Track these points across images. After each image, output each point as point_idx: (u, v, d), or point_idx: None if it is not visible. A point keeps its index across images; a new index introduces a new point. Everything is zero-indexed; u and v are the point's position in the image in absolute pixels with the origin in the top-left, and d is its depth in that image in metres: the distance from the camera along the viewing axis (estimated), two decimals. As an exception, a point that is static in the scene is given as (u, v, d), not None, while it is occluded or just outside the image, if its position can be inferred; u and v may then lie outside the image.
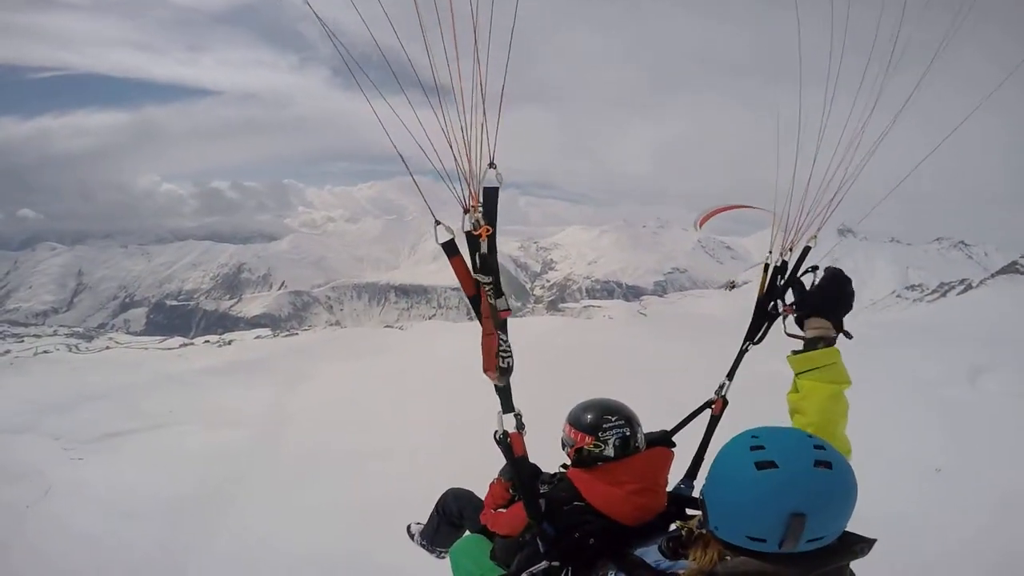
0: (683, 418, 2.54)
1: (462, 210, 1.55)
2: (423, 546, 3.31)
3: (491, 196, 1.55)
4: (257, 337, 38.21)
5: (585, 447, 2.21)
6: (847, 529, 1.45)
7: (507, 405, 1.89)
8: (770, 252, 2.33)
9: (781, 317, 2.29)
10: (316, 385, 12.60)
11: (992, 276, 17.84)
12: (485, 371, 1.73)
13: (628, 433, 2.21)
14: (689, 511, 2.21)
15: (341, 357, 17.01)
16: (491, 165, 1.51)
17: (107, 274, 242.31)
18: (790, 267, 2.32)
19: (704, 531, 1.64)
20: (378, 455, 7.49)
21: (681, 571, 1.60)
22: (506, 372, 1.70)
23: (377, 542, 5.18)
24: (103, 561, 5.68)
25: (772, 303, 2.31)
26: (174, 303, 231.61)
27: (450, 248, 1.54)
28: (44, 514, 6.57)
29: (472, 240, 1.55)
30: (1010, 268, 17.10)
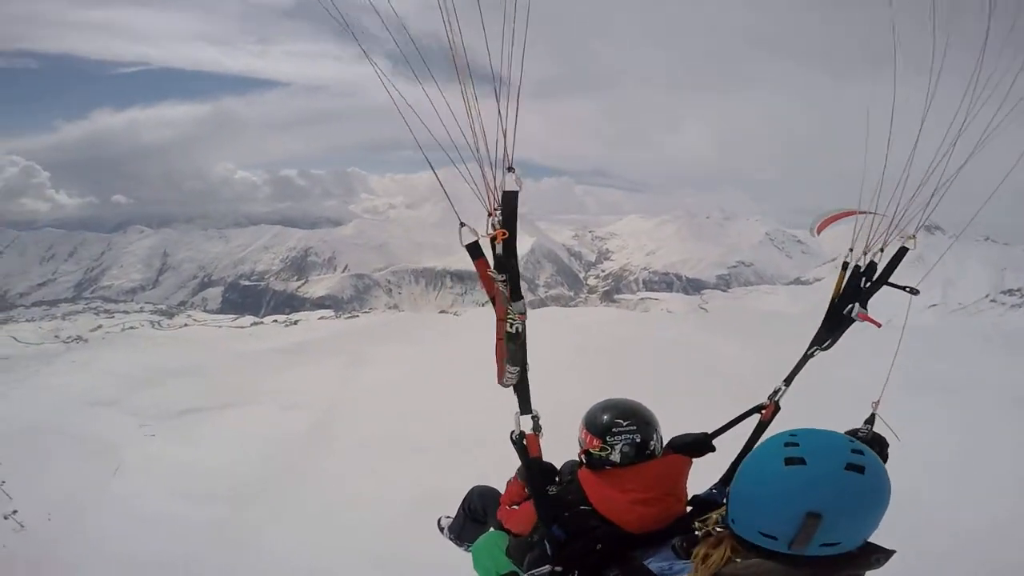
0: (728, 421, 2.38)
1: (487, 213, 1.59)
2: (451, 539, 3.41)
3: (509, 200, 1.55)
4: (321, 318, 40.22)
5: (592, 450, 2.15)
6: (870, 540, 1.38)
7: (525, 406, 1.87)
8: (851, 250, 2.17)
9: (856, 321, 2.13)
10: (375, 369, 12.92)
11: None
12: (498, 381, 1.74)
13: (639, 440, 2.11)
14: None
15: (399, 341, 17.40)
16: (509, 169, 1.51)
17: (188, 255, 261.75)
18: (879, 268, 2.15)
19: (721, 528, 1.60)
20: (426, 447, 7.55)
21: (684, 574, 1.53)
22: (514, 337, 1.67)
23: (420, 538, 5.22)
24: (161, 543, 5.95)
25: (850, 307, 2.13)
26: (247, 283, 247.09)
27: (474, 250, 1.57)
28: (112, 494, 7.00)
29: (492, 243, 1.60)
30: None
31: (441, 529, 3.56)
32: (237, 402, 10.28)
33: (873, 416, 2.07)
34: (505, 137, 1.50)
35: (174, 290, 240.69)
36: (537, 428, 1.98)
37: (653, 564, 1.82)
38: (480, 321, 24.57)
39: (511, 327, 1.67)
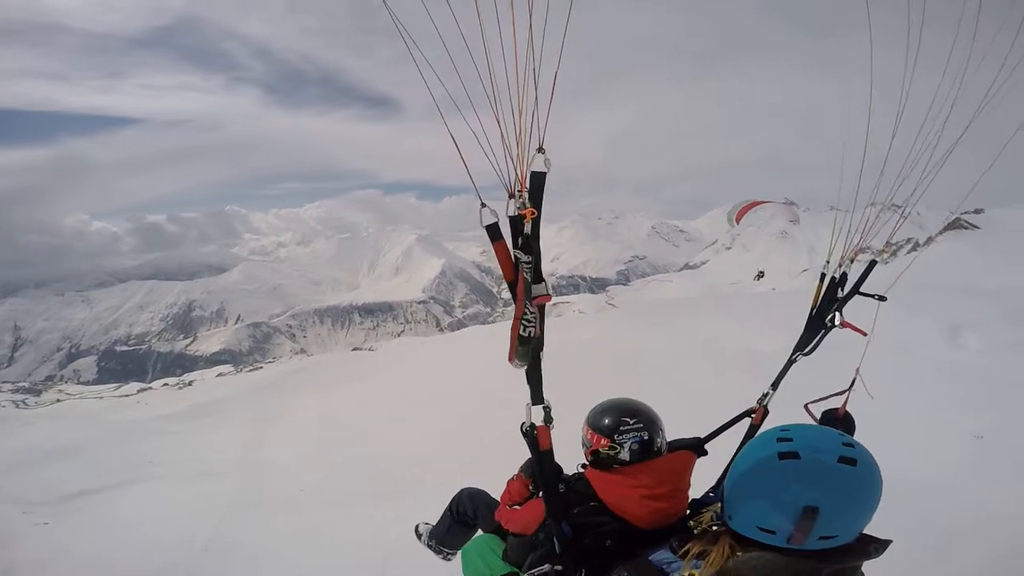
0: (719, 426, 2.48)
1: (507, 195, 1.54)
2: (430, 546, 3.29)
3: (538, 180, 1.53)
4: (219, 375, 36.38)
5: (601, 449, 2.17)
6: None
7: (536, 396, 1.81)
8: (827, 262, 2.33)
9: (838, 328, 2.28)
10: (292, 421, 11.86)
11: (941, 233, 18.83)
12: (509, 359, 1.69)
13: (646, 437, 2.14)
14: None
15: (313, 387, 16.20)
16: (540, 150, 1.49)
17: (47, 325, 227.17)
18: (851, 279, 2.34)
19: (717, 525, 1.64)
20: (370, 494, 6.98)
21: (690, 571, 1.55)
22: (526, 341, 1.63)
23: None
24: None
25: (831, 315, 2.29)
26: (124, 348, 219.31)
27: (494, 232, 1.55)
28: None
29: (516, 223, 1.56)
30: (955, 224, 18.05)
31: (419, 536, 3.44)
32: (137, 478, 8.81)
33: (853, 381, 2.27)
34: (536, 117, 1.46)
35: (35, 366, 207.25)
36: (548, 419, 1.90)
37: (657, 559, 1.80)
38: (400, 353, 23.74)
39: (524, 330, 1.62)
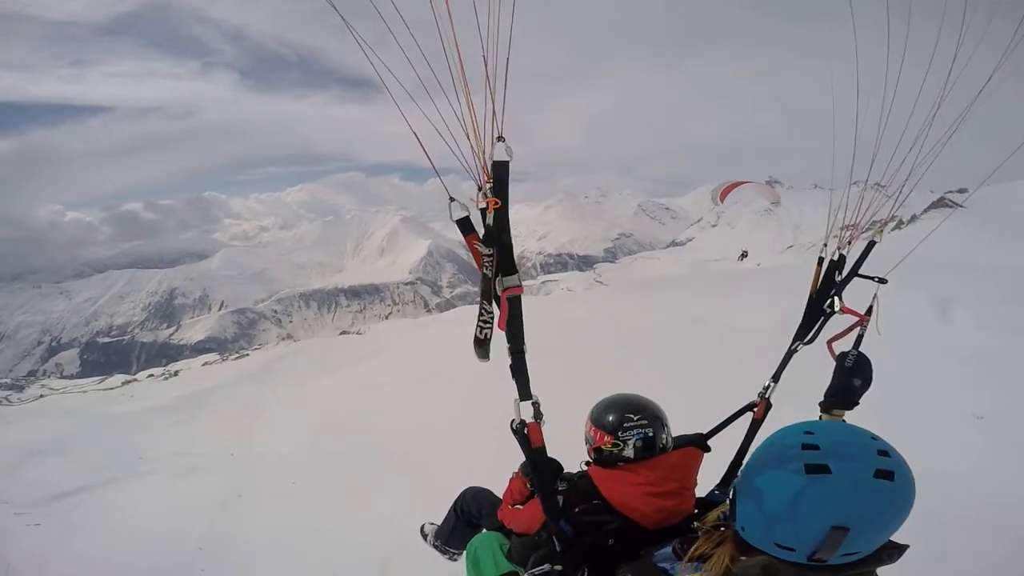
0: (721, 421, 2.40)
1: (477, 188, 1.51)
2: (436, 547, 3.28)
3: (500, 170, 1.49)
4: (205, 364, 35.83)
5: (604, 447, 2.13)
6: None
7: (524, 392, 1.76)
8: (825, 245, 2.26)
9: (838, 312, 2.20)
10: (281, 410, 11.71)
11: (925, 211, 19.07)
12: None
13: (651, 434, 2.10)
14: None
15: (300, 374, 16.04)
16: (499, 139, 1.46)
17: (24, 319, 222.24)
18: (849, 260, 2.25)
19: (724, 528, 1.55)
20: (367, 484, 6.88)
21: (691, 574, 1.48)
22: (482, 343, 1.56)
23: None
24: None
25: (829, 300, 2.21)
26: (107, 340, 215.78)
27: (465, 225, 1.52)
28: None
29: (483, 214, 1.53)
30: (939, 203, 18.25)
31: (424, 536, 3.42)
32: (125, 475, 8.63)
33: (861, 337, 2.23)
34: (495, 107, 1.43)
35: (16, 361, 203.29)
36: (538, 415, 1.84)
37: (660, 562, 1.74)
38: (388, 335, 23.52)
39: (480, 332, 1.55)
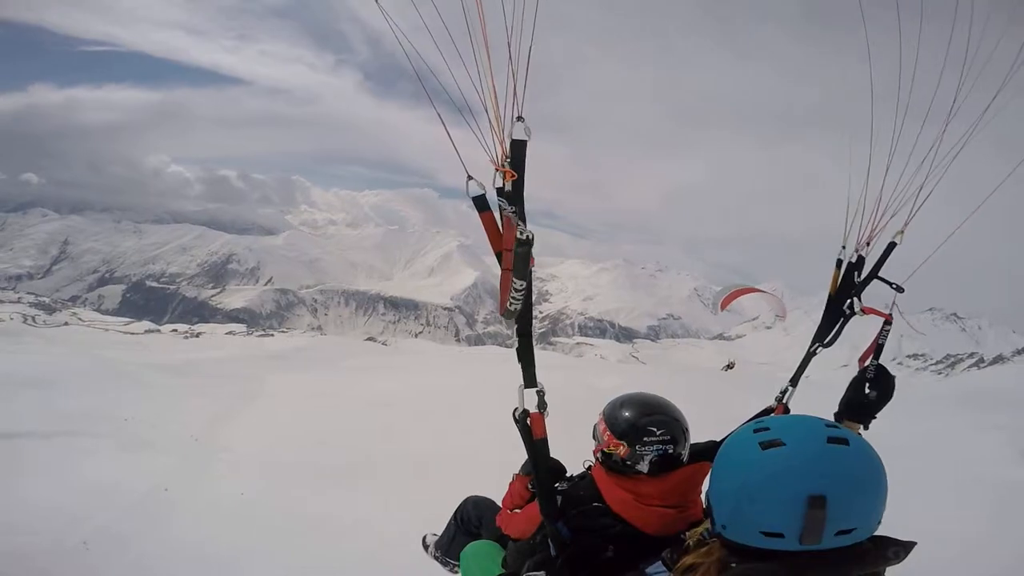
0: (737, 428, 1.97)
1: (494, 169, 1.51)
2: (437, 558, 3.18)
3: (518, 149, 1.49)
4: (229, 332, 36.18)
5: (616, 454, 1.96)
6: (882, 534, 1.28)
7: (529, 378, 1.72)
8: (843, 247, 2.24)
9: (858, 315, 2.18)
10: (271, 404, 10.62)
11: (1019, 353, 16.98)
12: (500, 312, 1.65)
13: (671, 451, 1.93)
14: None
15: (311, 370, 15.17)
16: (519, 119, 1.46)
17: (93, 246, 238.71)
18: (868, 263, 2.23)
19: (711, 538, 1.48)
20: (347, 524, 5.56)
21: None
22: (512, 315, 1.57)
23: None
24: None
25: (848, 301, 2.19)
26: (154, 284, 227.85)
27: (481, 203, 1.53)
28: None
29: (501, 195, 1.52)
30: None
31: (426, 547, 3.31)
32: (80, 431, 7.62)
33: (881, 347, 2.24)
34: (516, 86, 1.45)
35: (67, 283, 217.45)
36: (542, 405, 1.78)
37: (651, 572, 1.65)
38: (413, 355, 22.53)
39: (511, 304, 1.53)
